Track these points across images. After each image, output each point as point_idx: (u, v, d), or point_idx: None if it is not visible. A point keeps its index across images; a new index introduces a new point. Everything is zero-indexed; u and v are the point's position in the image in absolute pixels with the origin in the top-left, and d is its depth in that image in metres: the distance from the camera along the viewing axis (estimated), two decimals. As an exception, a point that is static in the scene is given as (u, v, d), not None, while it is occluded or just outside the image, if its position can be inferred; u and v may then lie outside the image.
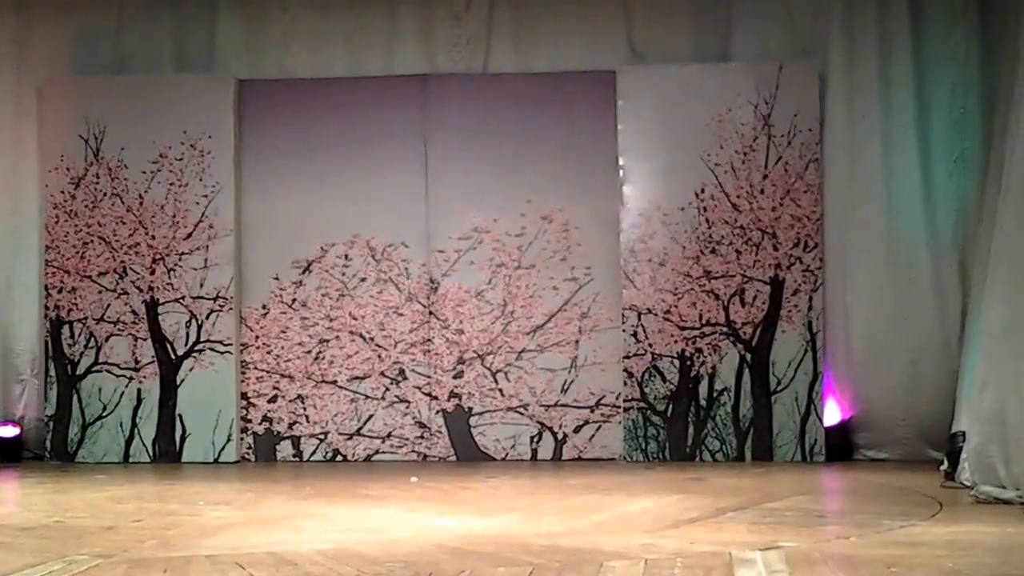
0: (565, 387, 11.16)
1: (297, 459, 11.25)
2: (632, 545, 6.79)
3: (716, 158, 11.01)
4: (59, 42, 11.59)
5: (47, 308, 11.33)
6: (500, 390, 11.18)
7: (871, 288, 11.02)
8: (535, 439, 11.17)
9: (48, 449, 11.29)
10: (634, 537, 7.07)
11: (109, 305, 11.27)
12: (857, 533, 7.19)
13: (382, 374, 11.26)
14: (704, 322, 10.99)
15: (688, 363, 10.98)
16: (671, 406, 11.00)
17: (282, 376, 11.29)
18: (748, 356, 10.95)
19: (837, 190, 11.09)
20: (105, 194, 11.32)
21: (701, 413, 10.97)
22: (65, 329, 11.28)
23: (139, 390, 11.24)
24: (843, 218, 11.07)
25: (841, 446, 10.91)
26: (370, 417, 11.26)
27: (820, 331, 10.92)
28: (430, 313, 11.23)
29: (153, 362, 11.24)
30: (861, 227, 11.06)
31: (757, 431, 10.93)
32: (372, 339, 11.26)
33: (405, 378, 11.24)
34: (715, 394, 10.97)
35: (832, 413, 10.96)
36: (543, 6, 11.47)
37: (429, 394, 11.22)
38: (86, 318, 11.27)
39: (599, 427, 11.14)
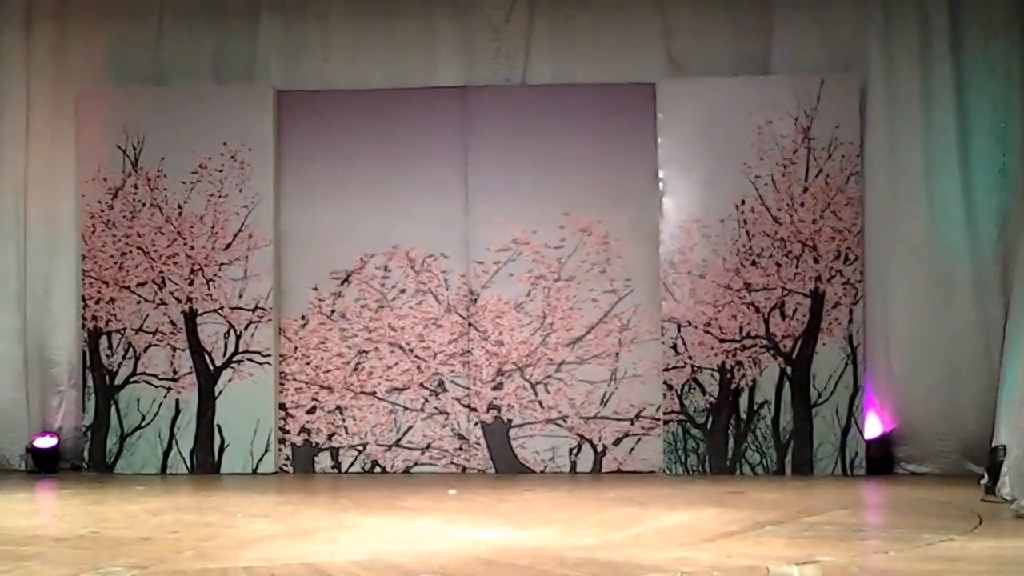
0: (604, 399, 11.11)
1: (335, 470, 11.24)
2: (668, 559, 6.74)
3: (756, 170, 10.95)
4: (97, 52, 11.62)
5: (85, 318, 11.35)
6: (539, 402, 11.14)
7: (912, 301, 10.94)
8: (574, 451, 11.13)
9: (86, 460, 11.31)
10: (671, 551, 7.02)
11: (148, 315, 11.28)
12: (896, 548, 7.12)
13: (421, 385, 11.23)
14: (744, 335, 10.93)
15: (728, 376, 10.92)
16: (711, 419, 10.94)
17: (321, 387, 11.28)
18: (788, 369, 10.88)
19: (878, 203, 11.02)
20: (144, 204, 11.34)
21: (741, 426, 10.91)
22: (103, 339, 11.30)
23: (177, 401, 11.25)
24: (884, 231, 11.00)
25: (881, 460, 10.84)
26: (409, 428, 11.23)
27: (861, 344, 10.84)
28: (469, 324, 11.21)
29: (191, 373, 11.25)
30: (902, 240, 10.99)
31: (797, 444, 10.86)
32: (411, 350, 11.24)
33: (444, 389, 11.21)
34: (755, 407, 10.90)
35: (873, 426, 10.88)
36: (582, 18, 11.44)
37: (468, 406, 11.19)
38: (124, 328, 11.29)
39: (639, 440, 11.08)
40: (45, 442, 11.42)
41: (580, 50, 11.41)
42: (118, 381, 11.29)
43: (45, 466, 11.35)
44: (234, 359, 11.23)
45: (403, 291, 11.29)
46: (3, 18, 11.64)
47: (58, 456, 11.46)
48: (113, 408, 11.28)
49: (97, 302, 11.32)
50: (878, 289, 10.98)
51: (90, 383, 11.31)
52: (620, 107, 11.20)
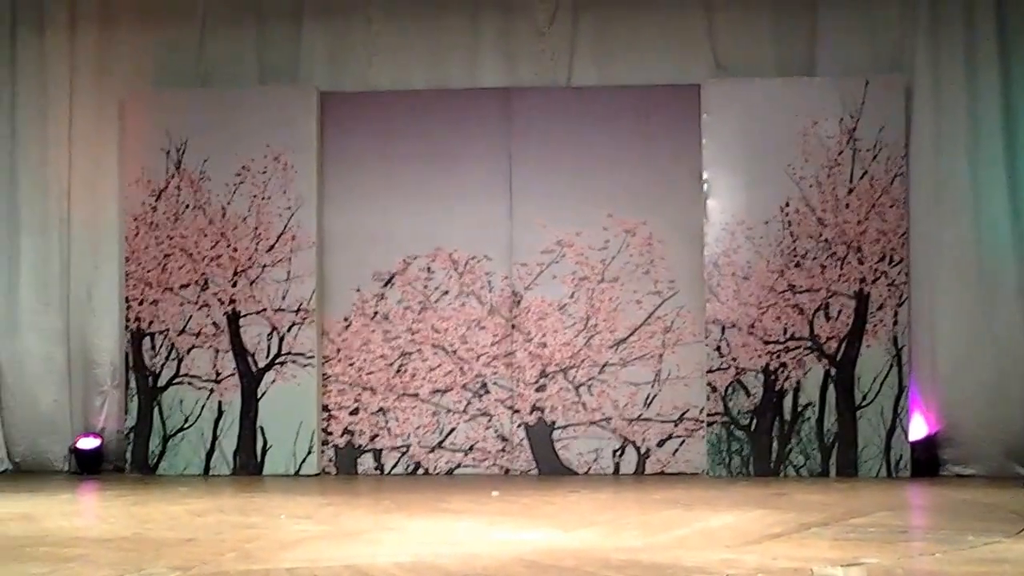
0: (648, 401, 11.08)
1: (378, 472, 11.23)
2: (713, 560, 6.70)
3: (801, 172, 10.90)
4: (141, 55, 11.65)
5: (128, 320, 11.38)
6: (583, 404, 11.11)
7: (957, 302, 10.87)
8: (618, 453, 11.09)
9: (128, 461, 11.34)
10: (715, 552, 6.98)
11: (191, 317, 11.31)
12: (941, 549, 7.06)
13: (464, 387, 11.22)
14: (788, 336, 10.88)
15: (772, 377, 10.87)
16: (755, 421, 10.88)
17: (364, 389, 11.27)
18: (833, 371, 10.82)
19: (923, 204, 10.96)
20: (187, 206, 11.36)
21: (785, 428, 10.85)
22: (146, 341, 11.33)
23: (220, 402, 11.27)
24: (929, 232, 10.94)
25: (927, 461, 10.76)
26: (452, 430, 11.22)
27: (905, 346, 10.78)
28: (512, 326, 11.19)
29: (234, 374, 11.26)
30: (947, 241, 10.92)
31: (842, 446, 10.80)
32: (454, 352, 11.23)
33: (487, 391, 11.20)
34: (799, 409, 10.85)
35: (918, 428, 10.81)
36: (627, 19, 11.40)
37: (511, 407, 11.17)
38: (167, 330, 11.31)
39: (682, 441, 11.04)
40: (88, 443, 11.46)
41: (624, 51, 11.38)
42: (161, 383, 11.32)
43: (88, 467, 11.39)
44: (277, 361, 11.24)
45: (446, 293, 11.28)
46: (47, 22, 11.69)
47: (101, 457, 11.50)
48: (156, 410, 11.30)
49: (140, 304, 11.35)
50: (923, 290, 10.91)
51: (133, 385, 11.33)
52: (664, 109, 11.16)
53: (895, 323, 10.79)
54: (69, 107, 11.70)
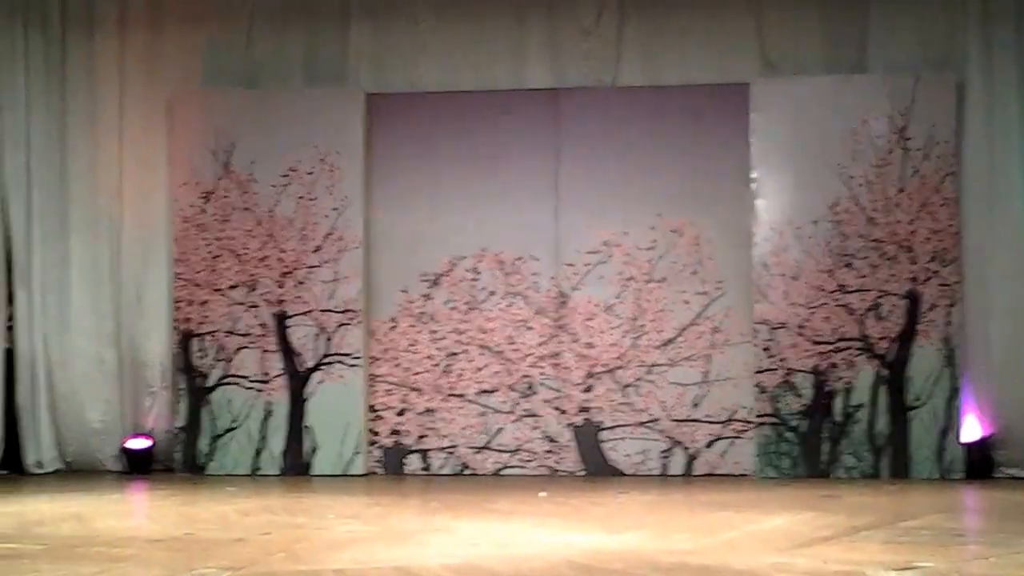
0: (696, 402, 11.02)
1: (425, 472, 11.22)
2: (763, 564, 6.64)
3: (851, 171, 10.83)
4: (189, 56, 11.67)
5: (177, 321, 11.41)
6: (630, 404, 11.07)
7: (1010, 302, 10.77)
8: (665, 454, 11.05)
9: (178, 461, 11.36)
10: (765, 555, 6.92)
11: (239, 318, 11.32)
12: (995, 553, 6.98)
13: (511, 388, 11.19)
14: (839, 337, 10.80)
15: (822, 378, 10.80)
16: (805, 422, 10.82)
17: (411, 389, 11.27)
18: (884, 371, 10.74)
19: (975, 203, 10.87)
20: (235, 208, 11.38)
21: (835, 429, 10.78)
22: (195, 342, 11.35)
23: (268, 402, 11.28)
24: (981, 231, 10.84)
25: (980, 463, 10.67)
26: (499, 431, 11.20)
27: (958, 346, 10.68)
28: (559, 327, 11.16)
29: (282, 375, 11.27)
30: (1000, 240, 10.82)
31: (893, 448, 10.72)
32: (501, 352, 11.21)
33: (534, 392, 11.17)
34: (850, 410, 10.77)
35: (971, 430, 10.72)
36: (674, 18, 11.35)
37: (558, 408, 11.14)
38: (216, 331, 11.33)
39: (731, 443, 10.99)
40: (138, 443, 11.50)
41: (672, 51, 11.32)
42: (210, 383, 11.34)
43: (138, 468, 11.43)
44: (324, 361, 11.25)
45: (492, 293, 11.26)
46: (97, 23, 11.73)
47: (151, 458, 11.53)
48: (205, 410, 11.32)
49: (189, 304, 11.38)
50: (976, 290, 10.81)
51: (182, 385, 11.36)
52: (712, 108, 11.11)
53: (947, 323, 10.70)
54: (118, 109, 11.73)
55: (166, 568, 6.67)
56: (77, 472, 11.52)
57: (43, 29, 11.66)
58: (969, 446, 10.69)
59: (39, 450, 11.49)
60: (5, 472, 11.26)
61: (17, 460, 11.41)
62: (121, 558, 7.00)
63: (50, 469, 11.48)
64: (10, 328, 11.40)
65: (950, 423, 10.67)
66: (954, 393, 10.68)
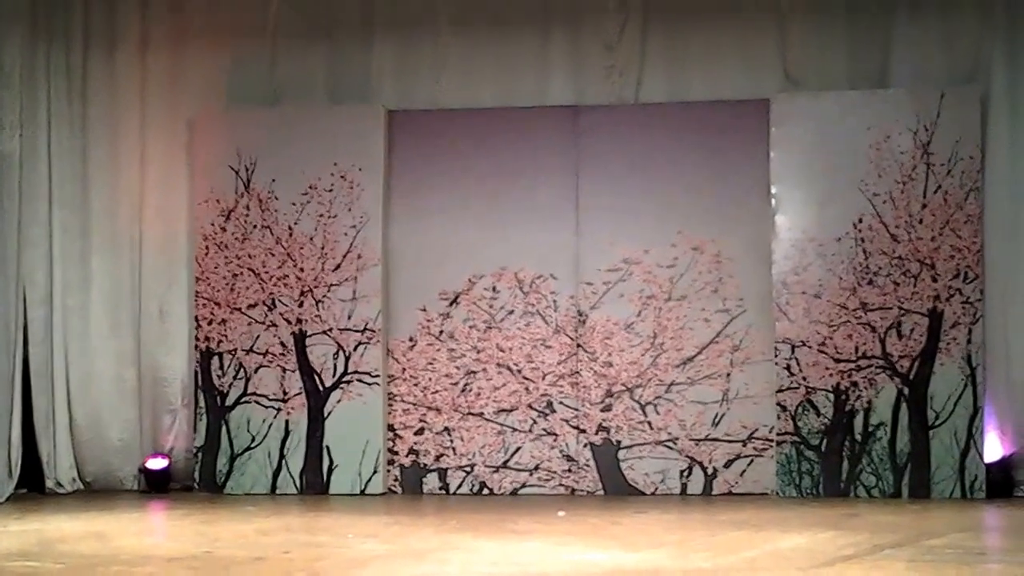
0: (716, 420, 10.97)
1: (443, 492, 11.18)
2: (786, 583, 6.62)
3: (874, 187, 10.77)
4: (212, 74, 11.67)
5: (197, 339, 11.40)
6: (649, 423, 11.03)
7: (1033, 321, 10.72)
8: (685, 473, 11.00)
9: (196, 480, 11.35)
10: (787, 574, 6.88)
11: (258, 337, 11.31)
12: (1019, 572, 6.94)
13: (529, 407, 11.16)
14: (860, 355, 10.75)
15: (843, 397, 10.74)
16: (825, 440, 10.76)
17: (429, 408, 11.24)
18: (905, 390, 10.68)
19: (999, 220, 10.80)
20: (255, 226, 11.38)
21: (856, 448, 10.72)
22: (215, 360, 11.34)
23: (287, 421, 11.26)
24: (1005, 249, 10.77)
25: (1002, 482, 10.59)
26: (517, 450, 11.16)
27: (980, 365, 10.62)
28: (578, 345, 11.12)
29: (301, 393, 11.25)
30: (1022, 258, 10.75)
31: (915, 466, 10.65)
32: (519, 371, 11.18)
33: (553, 411, 11.13)
34: (871, 428, 10.71)
35: (993, 449, 10.65)
36: (696, 34, 11.31)
37: (577, 427, 11.10)
38: (235, 349, 11.32)
39: (751, 461, 10.93)
40: (157, 463, 11.48)
41: (694, 66, 11.27)
42: (229, 402, 11.33)
43: (157, 486, 11.41)
44: (343, 380, 11.23)
45: (511, 312, 11.23)
46: (119, 41, 11.73)
47: (170, 476, 11.52)
48: (224, 429, 11.31)
49: (209, 323, 11.37)
50: (998, 308, 10.75)
51: (202, 404, 11.35)
52: (734, 124, 11.06)
53: (969, 341, 10.64)
54: (140, 127, 11.73)
55: (184, 586, 6.67)
56: (97, 491, 11.49)
57: (65, 47, 11.66)
58: (991, 465, 10.61)
59: (59, 469, 11.47)
60: (25, 491, 11.24)
61: (37, 479, 11.39)
62: (140, 576, 7.00)
63: (70, 488, 11.45)
64: (26, 347, 11.38)
65: (972, 442, 10.60)
66: (976, 412, 10.61)
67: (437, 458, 11.22)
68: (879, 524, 8.97)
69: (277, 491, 11.23)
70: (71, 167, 11.65)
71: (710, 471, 10.97)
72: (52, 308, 11.48)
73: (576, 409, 11.10)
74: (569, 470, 11.10)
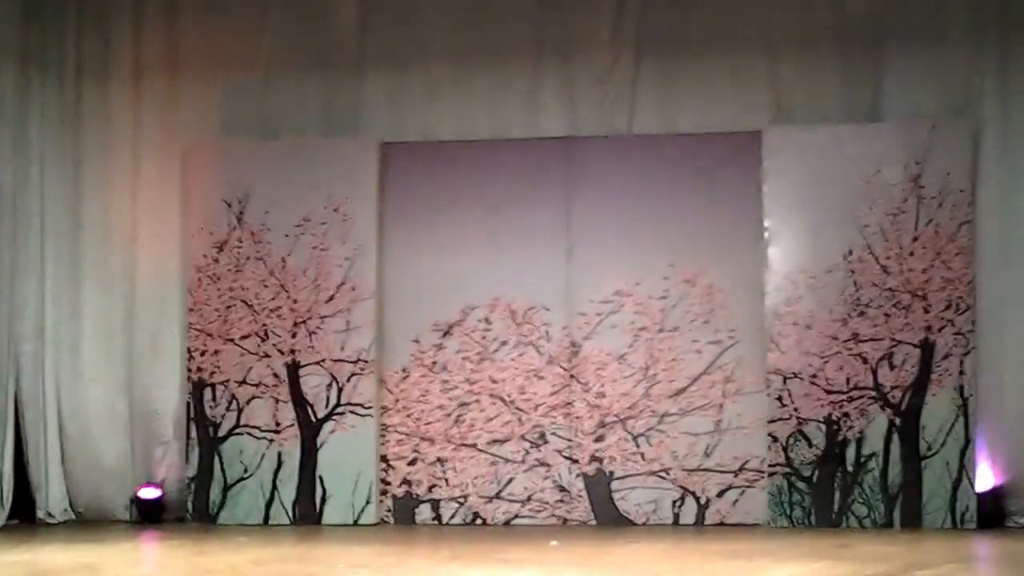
0: (708, 451, 10.97)
1: (436, 522, 11.17)
2: (775, 611, 6.62)
3: (865, 219, 10.80)
4: (205, 105, 11.68)
5: (190, 371, 11.40)
6: (642, 454, 11.03)
7: (1024, 352, 10.74)
8: (677, 503, 10.99)
9: (189, 511, 11.34)
10: (778, 603, 6.90)
11: (251, 368, 11.32)
12: (1011, 602, 6.95)
13: (522, 437, 11.16)
14: (852, 386, 10.76)
15: (835, 427, 10.75)
16: (817, 471, 10.76)
17: (422, 439, 11.24)
18: (897, 420, 10.69)
19: (990, 251, 10.81)
20: (248, 258, 11.39)
21: (848, 478, 10.72)
22: (207, 391, 11.34)
23: (280, 452, 11.26)
24: (996, 280, 10.79)
25: (993, 513, 10.59)
26: (510, 480, 11.15)
27: (972, 395, 10.63)
28: (571, 376, 11.13)
29: (294, 424, 11.25)
30: (1015, 289, 10.77)
31: (906, 497, 10.65)
32: (512, 402, 11.18)
33: (546, 441, 11.13)
34: (862, 459, 10.72)
35: (984, 479, 10.65)
36: (688, 66, 11.34)
37: (570, 458, 11.10)
38: (228, 380, 11.33)
39: (743, 492, 10.93)
40: (149, 493, 11.46)
41: (686, 98, 11.29)
42: (221, 433, 11.32)
43: (149, 517, 11.39)
44: (336, 411, 11.23)
45: (504, 343, 11.24)
46: (112, 71, 11.77)
47: (162, 507, 11.50)
48: (216, 459, 11.30)
49: (202, 354, 11.38)
50: (990, 339, 10.75)
51: (194, 435, 11.34)
52: (726, 156, 11.08)
53: (961, 372, 10.65)
54: (133, 157, 11.75)
55: (174, 615, 6.66)
56: (88, 522, 11.47)
57: (58, 77, 11.71)
58: (982, 495, 10.61)
59: (50, 499, 11.46)
60: (16, 522, 11.22)
61: (28, 510, 11.38)
62: (130, 606, 7.00)
63: (61, 519, 11.43)
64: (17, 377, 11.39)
65: (963, 472, 10.60)
66: (967, 442, 10.62)
67: (430, 489, 11.22)
68: (871, 554, 8.97)
69: (270, 522, 11.22)
70: (63, 198, 11.68)
71: (703, 501, 10.97)
72: (44, 339, 11.49)
73: (569, 440, 11.11)
74: (562, 500, 11.10)
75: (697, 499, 10.97)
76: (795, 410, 10.78)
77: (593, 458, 11.06)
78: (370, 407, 11.18)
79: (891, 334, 10.75)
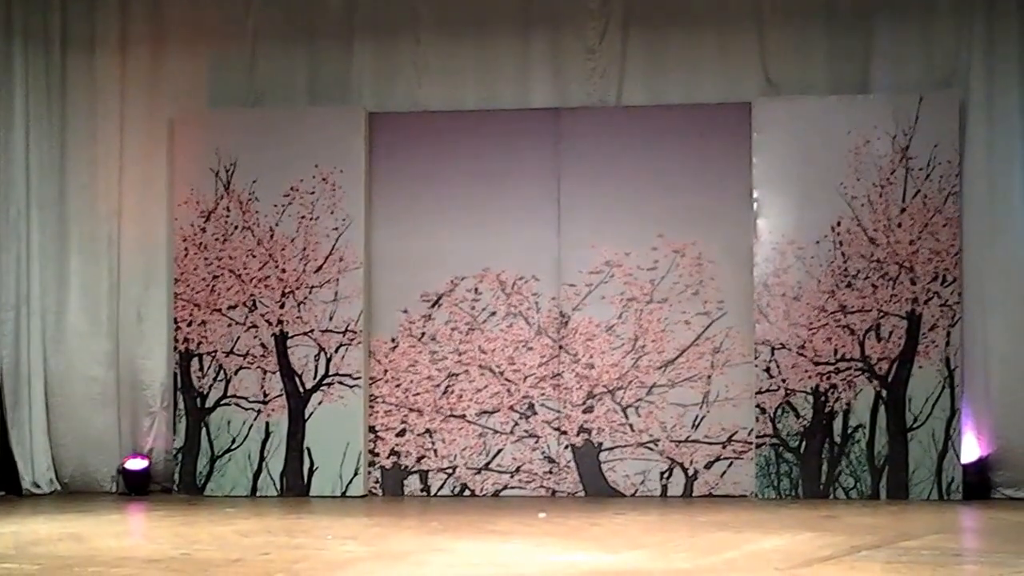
0: (696, 422, 11.00)
1: (424, 493, 11.18)
2: (764, 584, 6.64)
3: (853, 191, 10.81)
4: (192, 75, 11.65)
5: (176, 341, 11.39)
6: (630, 425, 11.05)
7: (1011, 323, 10.74)
8: (665, 475, 11.02)
9: (176, 482, 11.33)
10: (765, 575, 6.90)
11: (238, 338, 11.30)
12: (996, 573, 6.97)
13: (511, 408, 11.17)
14: (839, 357, 10.78)
15: (822, 399, 10.78)
16: (804, 442, 10.79)
17: (410, 410, 11.24)
18: (884, 392, 10.72)
19: (976, 223, 10.83)
20: (236, 227, 11.37)
21: (835, 450, 10.75)
22: (194, 362, 11.33)
23: (267, 423, 11.26)
24: (982, 252, 10.81)
25: (979, 484, 10.63)
26: (499, 452, 11.17)
27: (958, 367, 10.66)
28: (560, 347, 11.14)
29: (282, 395, 11.24)
30: (1001, 261, 10.79)
31: (892, 468, 10.69)
32: (501, 373, 11.19)
33: (534, 413, 11.14)
34: (849, 431, 10.75)
35: (970, 450, 10.69)
36: (678, 37, 11.33)
37: (558, 429, 11.11)
38: (215, 351, 11.31)
39: (731, 463, 10.95)
40: (136, 464, 11.45)
41: (675, 70, 11.28)
42: (209, 404, 11.32)
43: (136, 488, 11.38)
44: (324, 382, 11.22)
45: (493, 314, 11.24)
46: (98, 42, 11.71)
47: (149, 478, 11.49)
48: (204, 430, 11.30)
49: (189, 325, 11.36)
50: (976, 311, 10.78)
51: (181, 406, 11.34)
52: (715, 127, 11.08)
53: (947, 344, 10.68)
54: (119, 128, 11.70)
55: (163, 588, 6.66)
56: (74, 493, 11.47)
57: (44, 47, 11.66)
58: (968, 467, 10.65)
59: (36, 470, 11.45)
60: (2, 493, 11.22)
61: (14, 481, 11.37)
62: (118, 578, 7.00)
63: (47, 490, 11.43)
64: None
65: (949, 444, 10.64)
66: (953, 414, 10.65)
67: (418, 460, 11.23)
68: (857, 525, 9.00)
69: (257, 493, 11.22)
70: (49, 168, 11.64)
71: (690, 473, 10.99)
72: (29, 309, 11.47)
73: (558, 411, 11.12)
74: (550, 472, 11.11)
75: (685, 470, 10.99)
76: (783, 381, 10.80)
77: (582, 429, 11.08)
78: (358, 378, 11.18)
79: (878, 305, 10.77)
